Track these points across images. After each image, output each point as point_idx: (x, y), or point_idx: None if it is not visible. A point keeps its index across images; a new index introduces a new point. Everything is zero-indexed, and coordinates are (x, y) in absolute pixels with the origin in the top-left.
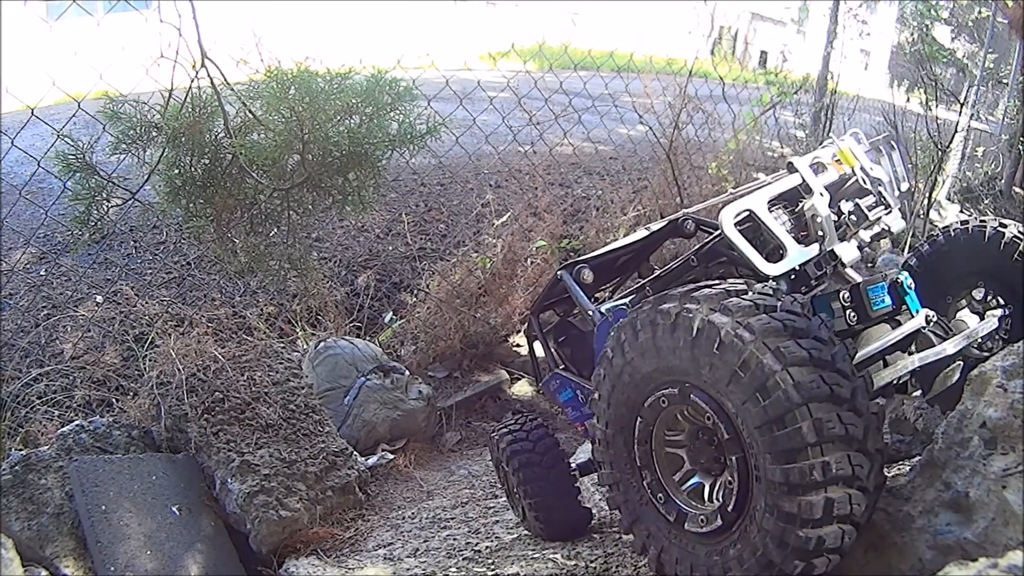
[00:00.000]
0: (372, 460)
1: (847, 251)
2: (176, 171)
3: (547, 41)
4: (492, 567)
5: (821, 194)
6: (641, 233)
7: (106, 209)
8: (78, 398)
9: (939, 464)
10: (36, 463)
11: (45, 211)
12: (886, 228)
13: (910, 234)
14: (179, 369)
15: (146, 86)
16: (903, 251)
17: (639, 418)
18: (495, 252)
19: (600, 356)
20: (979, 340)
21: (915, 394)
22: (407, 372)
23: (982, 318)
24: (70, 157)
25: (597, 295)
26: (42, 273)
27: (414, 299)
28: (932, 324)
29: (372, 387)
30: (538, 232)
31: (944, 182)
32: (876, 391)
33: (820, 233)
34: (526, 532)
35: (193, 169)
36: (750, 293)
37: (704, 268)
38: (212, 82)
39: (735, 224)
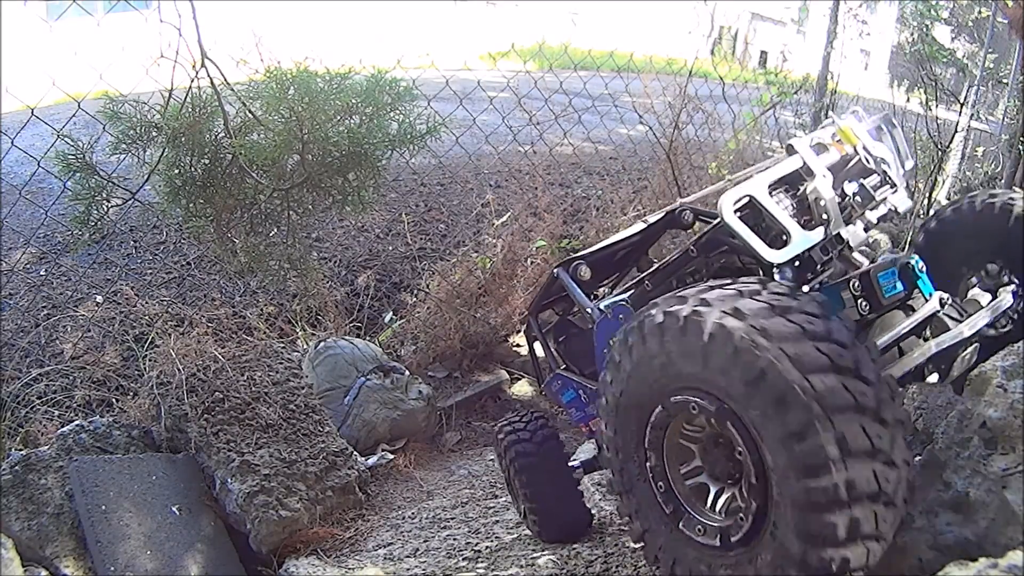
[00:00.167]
0: (372, 460)
1: (853, 234)
2: (176, 171)
3: (547, 41)
4: (492, 567)
5: (824, 176)
6: (638, 226)
7: (106, 209)
8: (78, 398)
9: (939, 464)
10: (36, 463)
11: (45, 211)
12: (892, 208)
13: (911, 233)
14: (179, 369)
15: (146, 86)
16: (903, 250)
17: (650, 427)
18: (495, 252)
19: (606, 360)
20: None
21: (931, 379)
22: (407, 372)
23: (994, 295)
24: (70, 157)
25: (596, 292)
26: (42, 273)
27: (414, 299)
28: (946, 306)
29: (372, 387)
30: (538, 232)
31: (944, 182)
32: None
33: (824, 216)
34: (526, 532)
35: (193, 169)
36: (764, 293)
37: (704, 259)
38: (212, 82)
39: (735, 211)
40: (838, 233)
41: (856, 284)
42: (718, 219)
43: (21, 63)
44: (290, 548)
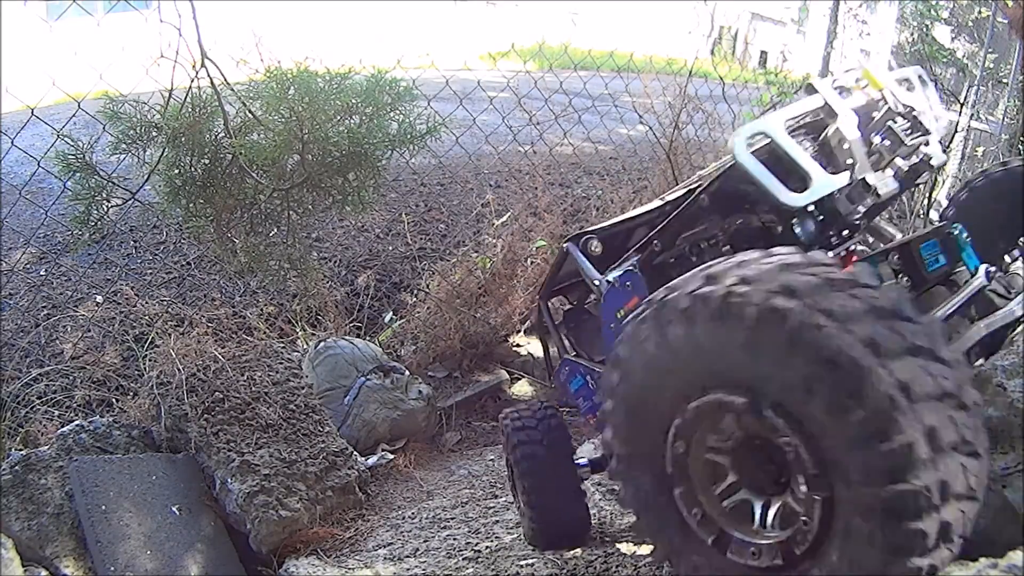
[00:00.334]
0: (372, 460)
1: (882, 182)
2: (176, 171)
3: (547, 41)
4: (492, 567)
5: (847, 116)
6: (655, 203)
7: (106, 209)
8: (78, 398)
9: None
10: (36, 463)
11: (45, 211)
12: (926, 157)
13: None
14: (179, 369)
15: (146, 86)
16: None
17: (672, 440)
18: (495, 252)
19: (611, 355)
20: None
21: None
22: (407, 372)
23: None
24: (70, 157)
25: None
26: (42, 273)
27: (414, 299)
28: (992, 281)
29: (372, 387)
30: (538, 232)
31: (944, 182)
32: None
33: (849, 160)
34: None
35: (193, 169)
36: (812, 266)
37: (717, 209)
38: (212, 82)
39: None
40: (864, 179)
41: (895, 257)
42: (730, 162)
43: (21, 63)
44: (290, 548)
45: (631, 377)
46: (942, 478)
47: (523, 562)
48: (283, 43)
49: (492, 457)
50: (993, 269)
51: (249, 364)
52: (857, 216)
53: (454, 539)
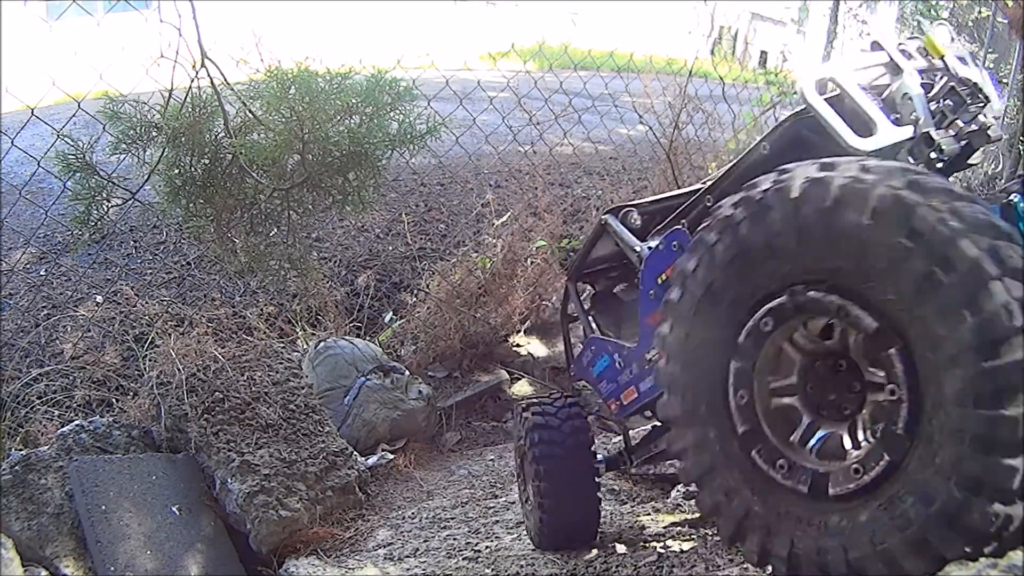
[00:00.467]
0: (372, 460)
1: (945, 139)
2: (176, 171)
3: (547, 41)
4: (492, 567)
5: (911, 73)
6: (696, 186)
7: (106, 209)
8: (78, 398)
9: None
10: (36, 463)
11: (45, 211)
12: (985, 125)
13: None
14: (179, 369)
15: (146, 86)
16: None
17: (735, 362)
18: (495, 252)
19: (692, 245)
20: None
21: None
22: (407, 372)
23: None
24: (70, 157)
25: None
26: (42, 273)
27: (414, 299)
28: None
29: (372, 387)
30: (538, 232)
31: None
32: None
33: (913, 116)
34: (527, 532)
35: (193, 169)
36: (930, 176)
37: (777, 160)
38: (212, 82)
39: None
40: (928, 133)
41: None
42: (797, 109)
43: (21, 63)
44: (290, 548)
45: (714, 262)
46: None
47: (523, 562)
48: (283, 43)
49: (492, 457)
50: None
51: (249, 364)
52: None
53: (454, 539)
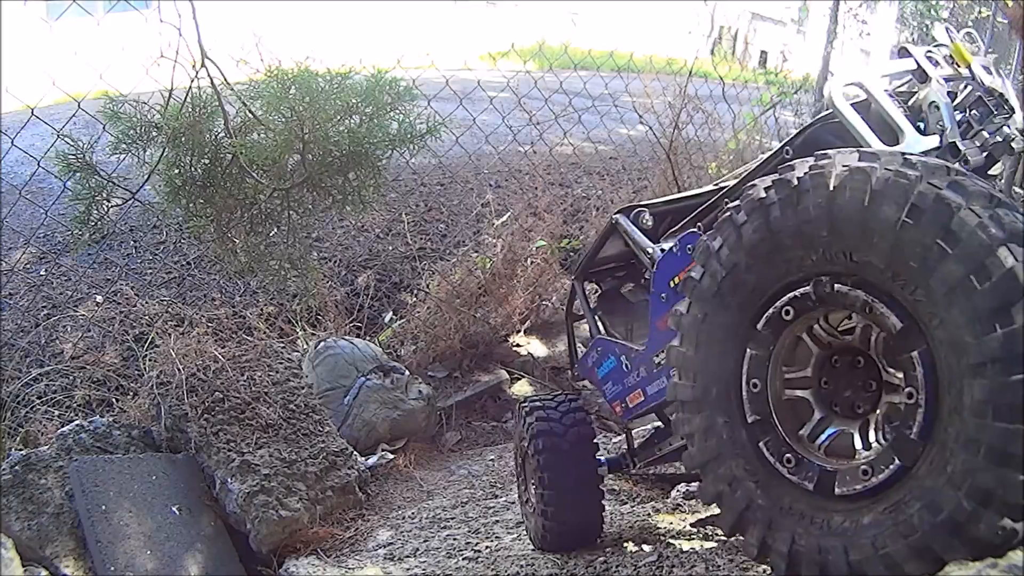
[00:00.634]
0: (372, 460)
1: (971, 150)
2: (176, 171)
3: (547, 41)
4: (492, 567)
5: (939, 82)
6: (708, 187)
7: (106, 209)
8: (78, 398)
9: None
10: (36, 463)
11: (45, 211)
12: (1009, 137)
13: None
14: (179, 369)
15: (146, 86)
16: None
17: (751, 349)
18: (495, 252)
19: (718, 225)
20: None
21: None
22: (407, 372)
23: None
24: (70, 157)
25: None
26: (42, 273)
27: (414, 299)
28: None
29: (372, 387)
30: (538, 232)
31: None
32: None
33: (939, 125)
34: (527, 533)
35: (193, 169)
36: (971, 178)
37: None
38: (212, 82)
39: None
40: (955, 143)
41: None
42: (822, 113)
43: (21, 63)
44: (290, 548)
45: (739, 245)
46: None
47: (523, 562)
48: (283, 43)
49: (492, 457)
50: None
51: (249, 364)
52: None
53: (454, 539)
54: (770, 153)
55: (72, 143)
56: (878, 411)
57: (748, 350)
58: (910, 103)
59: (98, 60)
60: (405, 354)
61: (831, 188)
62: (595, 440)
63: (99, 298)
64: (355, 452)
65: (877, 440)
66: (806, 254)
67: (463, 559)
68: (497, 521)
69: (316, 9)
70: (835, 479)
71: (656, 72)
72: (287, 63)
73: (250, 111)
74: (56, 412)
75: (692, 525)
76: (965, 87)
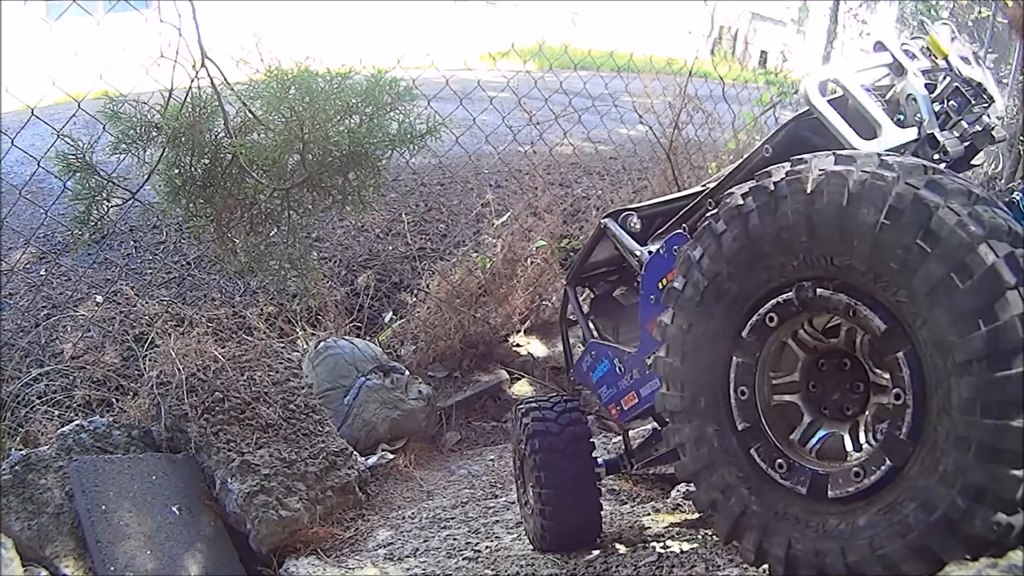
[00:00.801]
0: (372, 460)
1: (950, 141)
2: (176, 171)
3: (547, 41)
4: (492, 567)
5: (916, 74)
6: (696, 188)
7: (106, 209)
8: (78, 398)
9: None
10: (36, 463)
11: (45, 211)
12: (989, 126)
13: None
14: (179, 369)
15: (146, 86)
16: None
17: (737, 357)
18: (495, 252)
19: (699, 232)
20: None
21: None
22: (407, 372)
23: None
24: (70, 157)
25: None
26: (42, 273)
27: (414, 299)
28: None
29: (372, 387)
30: (538, 232)
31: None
32: None
33: (917, 117)
34: (526, 534)
35: (193, 169)
36: (949, 175)
37: (780, 162)
38: (212, 82)
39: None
40: (933, 135)
41: None
42: (799, 111)
43: (21, 63)
44: (290, 548)
45: (720, 253)
46: None
47: (523, 562)
48: (283, 43)
49: (492, 457)
50: None
51: (249, 364)
52: None
53: (454, 539)
54: (750, 153)
55: (72, 143)
56: (867, 412)
57: (734, 358)
58: (888, 97)
59: (98, 60)
60: (405, 354)
61: (808, 193)
62: (591, 440)
63: (99, 298)
64: (355, 452)
65: (867, 441)
66: (787, 260)
67: (463, 559)
68: (497, 521)
69: (316, 9)
70: (828, 482)
71: (656, 72)
72: (287, 63)
73: (250, 111)
74: (56, 412)
75: (692, 525)
76: (943, 79)
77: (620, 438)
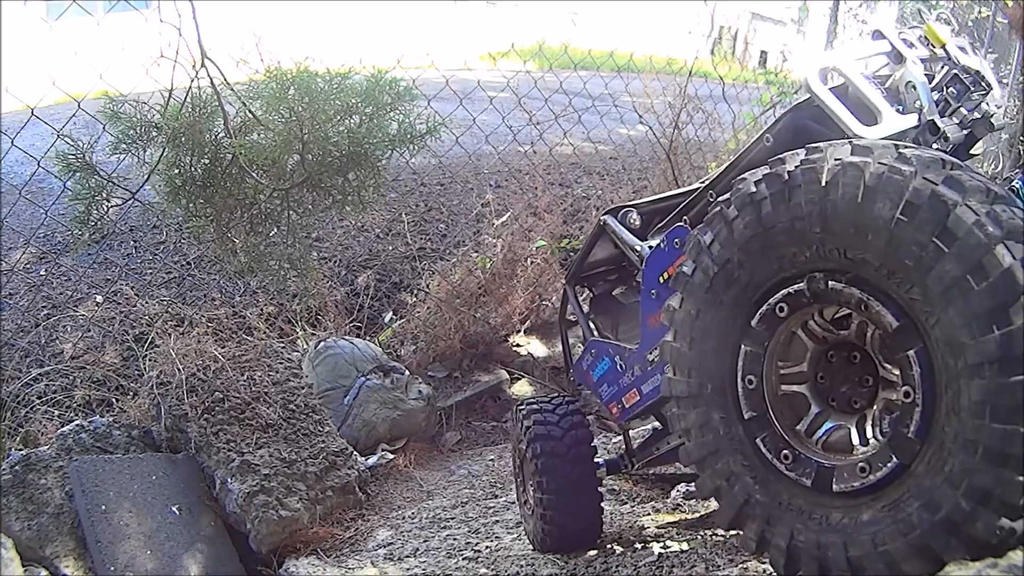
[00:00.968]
0: (372, 460)
1: (950, 127)
2: (176, 171)
3: (547, 41)
4: (492, 567)
5: (914, 62)
6: (695, 185)
7: (106, 209)
8: (78, 398)
9: None
10: (36, 463)
11: (45, 211)
12: (988, 112)
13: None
14: (179, 369)
15: (146, 86)
16: None
17: (745, 346)
18: (495, 252)
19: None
20: None
21: None
22: (407, 372)
23: None
24: (70, 157)
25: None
26: (42, 273)
27: (414, 299)
28: None
29: (372, 387)
30: (538, 232)
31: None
32: None
33: (917, 104)
34: (526, 535)
35: (193, 169)
36: (966, 171)
37: (781, 151)
38: (212, 82)
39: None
40: (933, 121)
41: None
42: (799, 99)
43: (21, 63)
44: (290, 548)
45: (731, 240)
46: None
47: (523, 562)
48: (283, 43)
49: (492, 457)
50: None
51: (249, 364)
52: None
53: (454, 539)
54: (751, 142)
55: (72, 143)
56: (875, 406)
57: (743, 346)
58: (887, 85)
59: (98, 60)
60: (405, 354)
61: (823, 184)
62: (593, 442)
63: (99, 298)
64: (355, 452)
65: (874, 435)
66: (799, 250)
67: (463, 559)
68: (497, 521)
69: (316, 9)
70: (833, 476)
71: (656, 72)
72: (287, 63)
73: (250, 111)
74: (56, 412)
75: (692, 525)
76: (941, 67)
77: (620, 438)
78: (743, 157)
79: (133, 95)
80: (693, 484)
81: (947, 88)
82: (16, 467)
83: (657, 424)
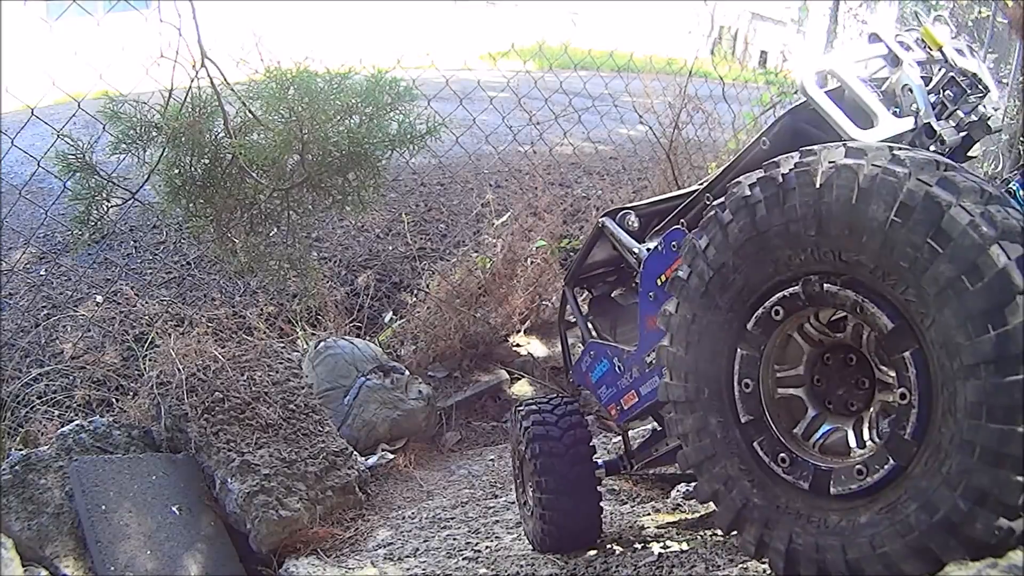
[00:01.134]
0: (372, 460)
1: (947, 130)
2: (176, 171)
3: (547, 41)
4: (492, 567)
5: (911, 65)
6: (693, 187)
7: (106, 209)
8: (78, 398)
9: None
10: (36, 463)
11: (45, 211)
12: (985, 115)
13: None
14: (179, 369)
15: (146, 86)
16: None
17: (741, 349)
18: (495, 252)
19: (703, 222)
20: None
21: None
22: (407, 372)
23: None
24: (70, 157)
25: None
26: (42, 273)
27: (414, 299)
28: None
29: (372, 387)
30: (538, 232)
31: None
32: None
33: (913, 107)
34: (526, 535)
35: (193, 169)
36: (961, 173)
37: (777, 154)
38: (212, 82)
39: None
40: (930, 124)
41: None
42: (795, 102)
43: (21, 63)
44: (290, 548)
45: (726, 243)
46: None
47: (523, 562)
48: (283, 43)
49: (492, 457)
50: None
51: (249, 364)
52: None
53: (454, 539)
54: (748, 145)
55: (72, 143)
56: (871, 409)
57: (739, 350)
58: (884, 87)
59: (98, 60)
60: (405, 354)
61: (817, 186)
62: (592, 442)
63: (99, 298)
64: (355, 452)
65: (871, 438)
66: (794, 253)
67: (463, 559)
68: (497, 521)
69: (316, 9)
70: (830, 478)
71: (656, 72)
72: (287, 63)
73: (250, 111)
74: (56, 412)
75: (692, 525)
76: (938, 70)
77: (620, 438)
78: (740, 160)
79: (133, 95)
80: (693, 486)
81: (944, 91)
82: (16, 467)
83: (656, 425)
